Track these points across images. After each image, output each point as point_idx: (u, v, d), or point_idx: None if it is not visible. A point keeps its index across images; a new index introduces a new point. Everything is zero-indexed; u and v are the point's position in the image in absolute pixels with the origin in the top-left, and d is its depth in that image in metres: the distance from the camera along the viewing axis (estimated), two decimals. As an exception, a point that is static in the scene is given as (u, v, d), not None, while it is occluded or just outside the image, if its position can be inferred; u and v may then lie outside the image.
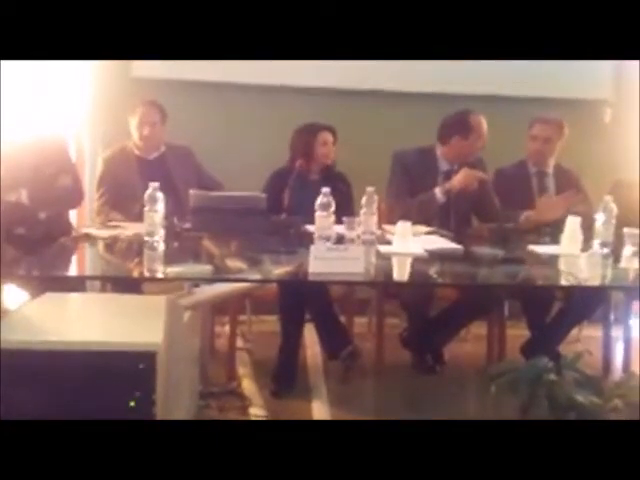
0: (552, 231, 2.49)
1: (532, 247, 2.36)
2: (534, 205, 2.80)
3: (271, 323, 2.83)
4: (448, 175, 2.78)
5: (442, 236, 2.48)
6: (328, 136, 2.82)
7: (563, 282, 2.21)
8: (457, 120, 2.78)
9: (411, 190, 2.72)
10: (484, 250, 2.36)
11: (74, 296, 2.25)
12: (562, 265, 2.23)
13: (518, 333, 2.84)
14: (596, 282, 2.12)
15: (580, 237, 2.26)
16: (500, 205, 2.79)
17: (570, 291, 2.59)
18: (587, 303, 2.69)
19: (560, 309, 2.75)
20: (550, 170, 2.97)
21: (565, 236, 2.29)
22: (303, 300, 2.60)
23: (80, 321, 2.00)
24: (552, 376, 2.05)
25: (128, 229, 2.38)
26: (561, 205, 2.63)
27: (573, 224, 2.28)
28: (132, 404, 1.73)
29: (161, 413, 1.74)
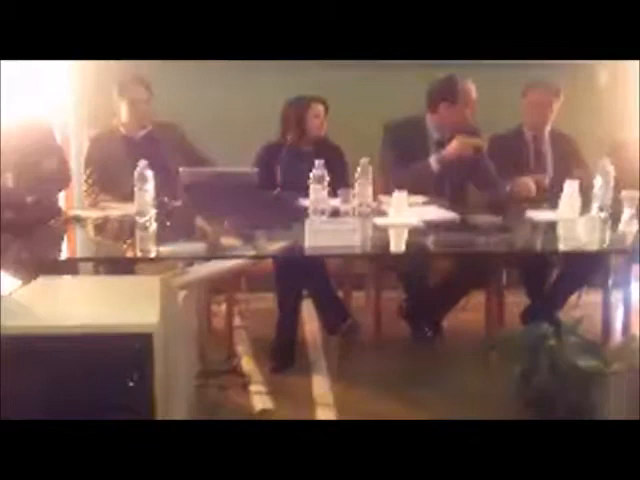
0: (550, 196, 2.47)
1: (530, 213, 2.34)
2: (530, 171, 2.76)
3: (268, 300, 2.81)
4: (440, 144, 2.73)
5: (438, 206, 2.45)
6: (319, 108, 2.77)
7: (562, 247, 2.19)
8: (443, 86, 2.72)
9: (403, 160, 2.67)
10: (481, 218, 2.33)
11: (67, 279, 2.22)
12: (560, 230, 2.21)
13: (517, 301, 2.84)
14: (595, 247, 2.10)
15: (578, 201, 2.23)
16: (497, 172, 2.75)
17: (569, 256, 2.58)
18: (586, 268, 2.68)
19: (559, 275, 2.74)
20: (547, 135, 2.93)
21: (563, 201, 2.27)
22: (300, 275, 2.57)
23: (75, 304, 1.98)
24: (553, 342, 2.06)
25: (118, 210, 2.34)
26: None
27: (571, 188, 2.25)
28: (130, 385, 1.71)
29: (159, 393, 1.72)
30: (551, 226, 2.24)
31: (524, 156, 2.88)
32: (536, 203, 2.51)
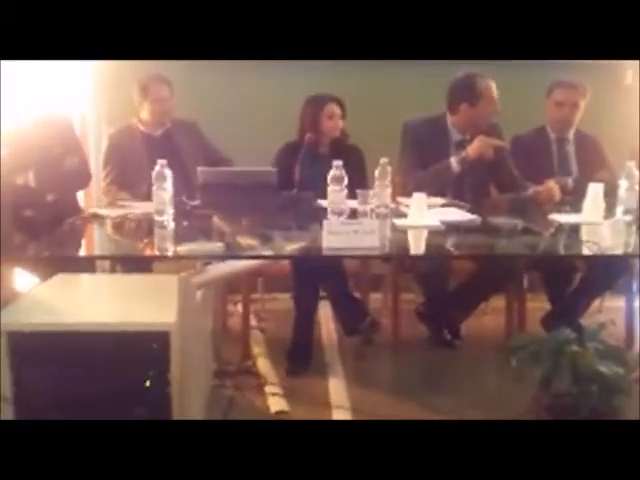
0: (573, 199, 2.42)
1: (553, 216, 2.30)
2: (554, 172, 2.71)
3: (284, 301, 2.80)
4: (461, 145, 2.69)
5: (458, 207, 2.42)
6: (335, 108, 2.74)
7: (585, 252, 2.15)
8: (463, 86, 2.67)
9: (423, 162, 2.64)
10: (502, 220, 2.30)
11: (85, 277, 2.24)
12: (584, 234, 2.16)
13: (538, 306, 2.79)
14: (619, 251, 2.05)
15: (602, 204, 2.19)
16: (519, 173, 2.71)
17: (592, 261, 2.53)
18: (609, 273, 2.63)
19: (581, 279, 2.69)
20: (571, 136, 2.87)
21: (587, 204, 2.23)
22: (317, 276, 2.56)
23: (93, 302, 1.99)
24: (574, 347, 2.01)
25: (137, 208, 2.35)
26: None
27: (595, 191, 2.21)
28: (147, 384, 1.72)
29: (176, 392, 1.72)
30: (574, 229, 2.20)
31: (548, 157, 2.83)
32: (559, 206, 2.46)
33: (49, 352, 1.71)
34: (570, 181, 2.74)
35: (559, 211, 2.35)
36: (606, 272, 2.61)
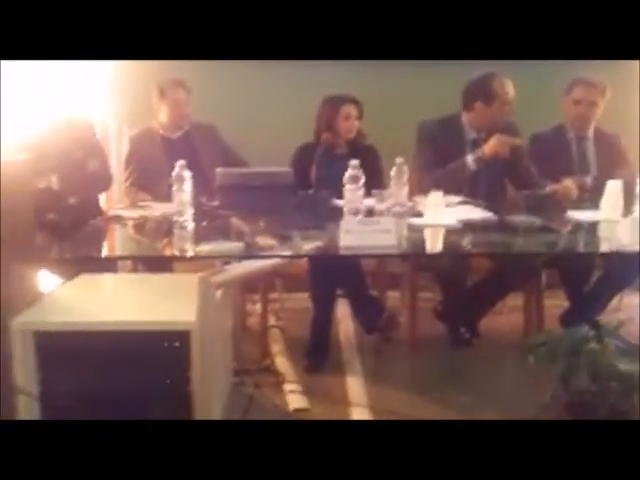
0: (591, 196, 2.41)
1: (571, 213, 2.29)
2: (572, 171, 2.70)
3: (302, 300, 2.82)
4: (476, 143, 2.69)
5: (475, 205, 2.42)
6: (351, 109, 2.75)
7: (603, 249, 2.14)
8: (479, 85, 2.67)
9: (438, 160, 2.65)
10: (519, 218, 2.29)
11: (108, 277, 2.27)
12: (602, 231, 2.15)
13: (556, 303, 2.78)
14: (637, 248, 2.04)
15: (621, 202, 2.18)
16: (537, 171, 2.70)
17: (610, 258, 2.51)
18: (628, 270, 2.60)
19: (600, 277, 2.68)
20: (590, 135, 2.85)
21: (605, 201, 2.21)
22: (334, 275, 2.57)
23: (115, 301, 2.02)
24: (593, 345, 2.00)
25: (157, 209, 2.39)
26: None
27: (614, 188, 2.19)
28: (168, 382, 1.74)
29: (196, 390, 1.75)
30: (592, 227, 2.19)
31: (567, 155, 2.81)
32: (577, 203, 2.45)
33: (72, 350, 1.74)
34: (589, 179, 2.72)
35: (577, 208, 2.34)
36: (624, 269, 2.59)
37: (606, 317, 2.57)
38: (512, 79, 2.70)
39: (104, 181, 2.80)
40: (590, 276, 2.70)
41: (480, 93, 2.66)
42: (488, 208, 2.36)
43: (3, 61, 2.41)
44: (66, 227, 2.30)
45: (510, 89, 2.66)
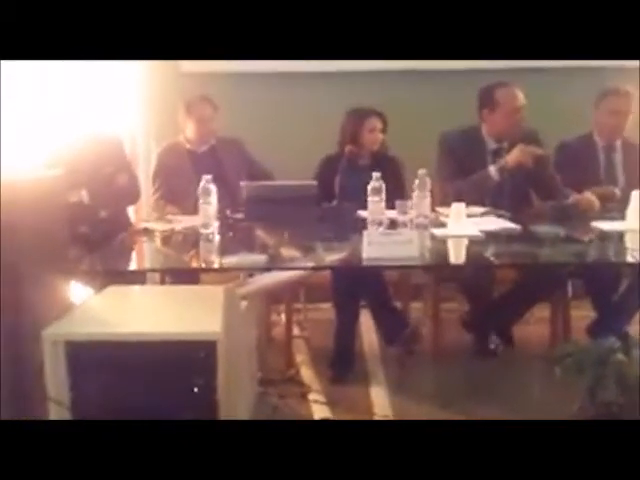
0: (617, 206, 2.38)
1: (595, 223, 2.27)
2: (600, 181, 2.68)
3: (326, 311, 2.84)
4: (498, 153, 2.70)
5: (498, 216, 2.41)
6: (376, 122, 2.77)
7: (629, 259, 2.11)
8: (483, 93, 2.72)
9: (460, 171, 2.65)
10: (544, 229, 2.28)
11: (136, 289, 2.32)
12: (628, 241, 2.13)
13: (583, 314, 2.74)
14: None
15: (646, 211, 2.16)
16: (564, 180, 2.68)
17: (636, 268, 2.48)
18: (655, 280, 2.57)
19: (627, 287, 2.64)
20: (618, 144, 2.83)
21: (630, 211, 2.19)
22: (357, 286, 2.59)
23: (143, 313, 2.06)
24: (620, 356, 1.98)
25: (183, 222, 2.44)
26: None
27: (638, 199, 2.17)
28: (195, 390, 1.77)
29: (222, 399, 1.77)
30: (618, 237, 2.17)
31: (594, 165, 2.79)
32: (604, 214, 2.43)
33: (102, 360, 1.77)
34: (617, 190, 2.69)
35: (604, 219, 2.32)
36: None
37: (634, 328, 2.53)
38: (533, 88, 2.70)
39: (133, 195, 2.86)
40: (617, 287, 2.66)
41: (484, 100, 2.70)
42: (512, 219, 2.36)
43: (6, 61, 2.43)
44: (97, 240, 2.36)
45: (514, 98, 2.66)
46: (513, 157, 2.60)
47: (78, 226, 2.43)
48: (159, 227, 2.42)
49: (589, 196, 2.55)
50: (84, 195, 2.61)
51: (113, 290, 2.17)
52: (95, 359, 1.77)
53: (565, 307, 2.72)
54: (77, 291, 2.39)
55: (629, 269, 2.58)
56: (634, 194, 2.20)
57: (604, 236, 2.21)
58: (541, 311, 2.80)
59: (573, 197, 2.57)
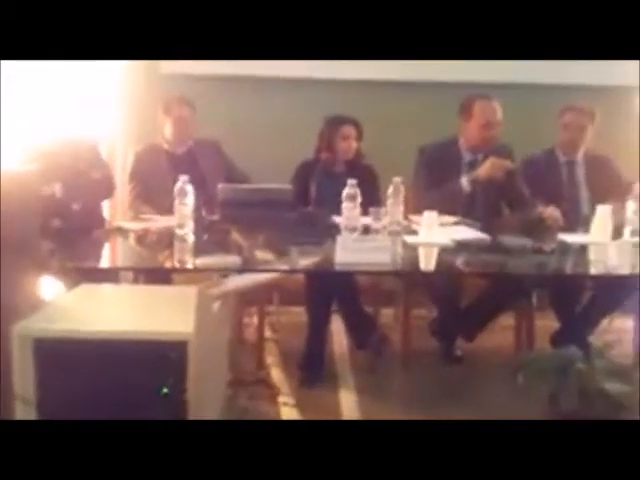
0: (582, 221, 2.46)
1: (562, 236, 2.34)
2: (562, 195, 2.76)
3: (298, 314, 2.86)
4: (472, 165, 2.76)
5: (469, 226, 2.47)
6: (350, 130, 2.81)
7: (593, 271, 2.18)
8: (463, 104, 2.79)
9: (435, 181, 2.71)
10: (512, 240, 2.35)
11: (108, 287, 2.30)
12: (592, 254, 2.20)
13: (547, 324, 2.82)
14: (626, 271, 2.09)
15: (610, 226, 2.23)
16: (530, 194, 2.76)
17: (600, 280, 2.56)
18: (617, 292, 2.65)
19: (590, 299, 2.72)
20: (580, 159, 2.92)
21: (595, 225, 2.27)
22: (329, 290, 2.62)
23: (114, 311, 2.05)
24: (581, 365, 2.04)
25: (159, 222, 2.44)
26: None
27: (603, 213, 2.25)
28: (165, 391, 1.78)
29: (192, 400, 1.78)
30: (583, 249, 2.24)
31: (557, 179, 2.87)
32: (570, 227, 2.50)
33: (70, 358, 1.76)
34: (579, 203, 2.78)
35: (570, 231, 2.39)
36: (614, 292, 2.64)
37: (596, 339, 2.61)
38: (508, 103, 2.77)
39: (107, 189, 2.84)
40: (580, 297, 2.74)
41: (462, 111, 2.77)
42: (483, 229, 2.41)
43: (4, 61, 2.42)
44: (70, 233, 2.34)
45: (489, 111, 2.73)
46: (484, 170, 2.67)
47: (51, 219, 2.40)
48: (134, 227, 2.42)
49: (551, 211, 2.62)
50: (57, 188, 2.58)
51: (85, 288, 2.15)
52: (63, 357, 1.75)
53: (529, 316, 2.79)
54: (48, 288, 2.37)
55: (592, 281, 2.67)
56: (599, 209, 2.28)
57: (568, 248, 2.28)
58: (506, 319, 2.87)
59: (539, 210, 2.64)
